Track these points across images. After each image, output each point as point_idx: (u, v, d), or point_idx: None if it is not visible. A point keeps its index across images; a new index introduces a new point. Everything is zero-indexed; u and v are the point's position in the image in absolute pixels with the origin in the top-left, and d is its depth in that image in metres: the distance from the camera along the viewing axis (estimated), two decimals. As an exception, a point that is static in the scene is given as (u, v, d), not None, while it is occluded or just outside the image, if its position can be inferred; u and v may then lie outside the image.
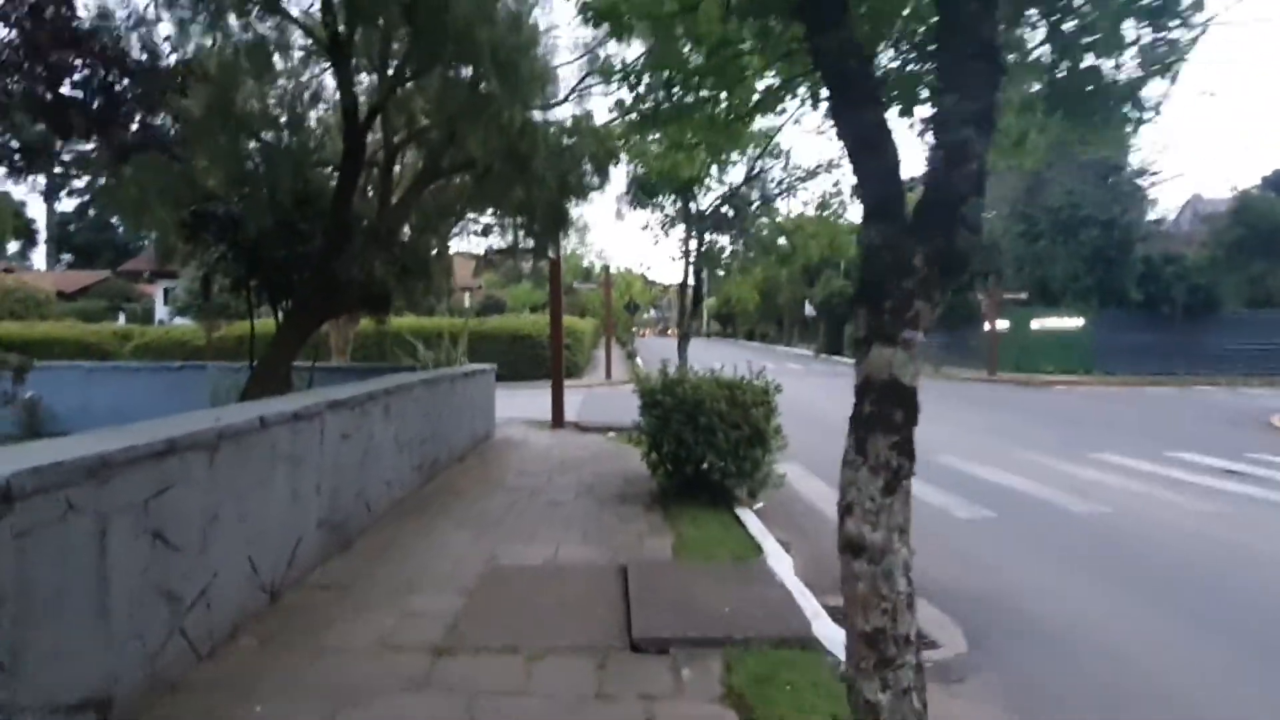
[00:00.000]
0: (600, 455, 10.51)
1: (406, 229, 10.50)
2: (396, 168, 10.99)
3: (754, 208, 8.60)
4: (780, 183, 8.33)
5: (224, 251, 9.18)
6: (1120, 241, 27.69)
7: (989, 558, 6.20)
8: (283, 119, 7.75)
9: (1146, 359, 27.85)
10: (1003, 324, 28.19)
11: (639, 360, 35.93)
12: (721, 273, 9.66)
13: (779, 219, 8.54)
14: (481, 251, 14.85)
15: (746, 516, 6.91)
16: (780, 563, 5.61)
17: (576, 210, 8.94)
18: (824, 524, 7.15)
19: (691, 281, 9.10)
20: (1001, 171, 28.43)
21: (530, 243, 12.40)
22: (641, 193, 8.63)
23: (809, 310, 46.93)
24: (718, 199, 8.78)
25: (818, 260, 8.70)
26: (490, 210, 9.98)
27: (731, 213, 8.79)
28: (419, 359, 12.09)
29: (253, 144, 7.98)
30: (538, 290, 55.25)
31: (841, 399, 2.76)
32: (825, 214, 8.27)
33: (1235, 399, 20.77)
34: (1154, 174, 28.40)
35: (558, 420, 13.97)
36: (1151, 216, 30.58)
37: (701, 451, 7.08)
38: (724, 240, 8.91)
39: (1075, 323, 28.34)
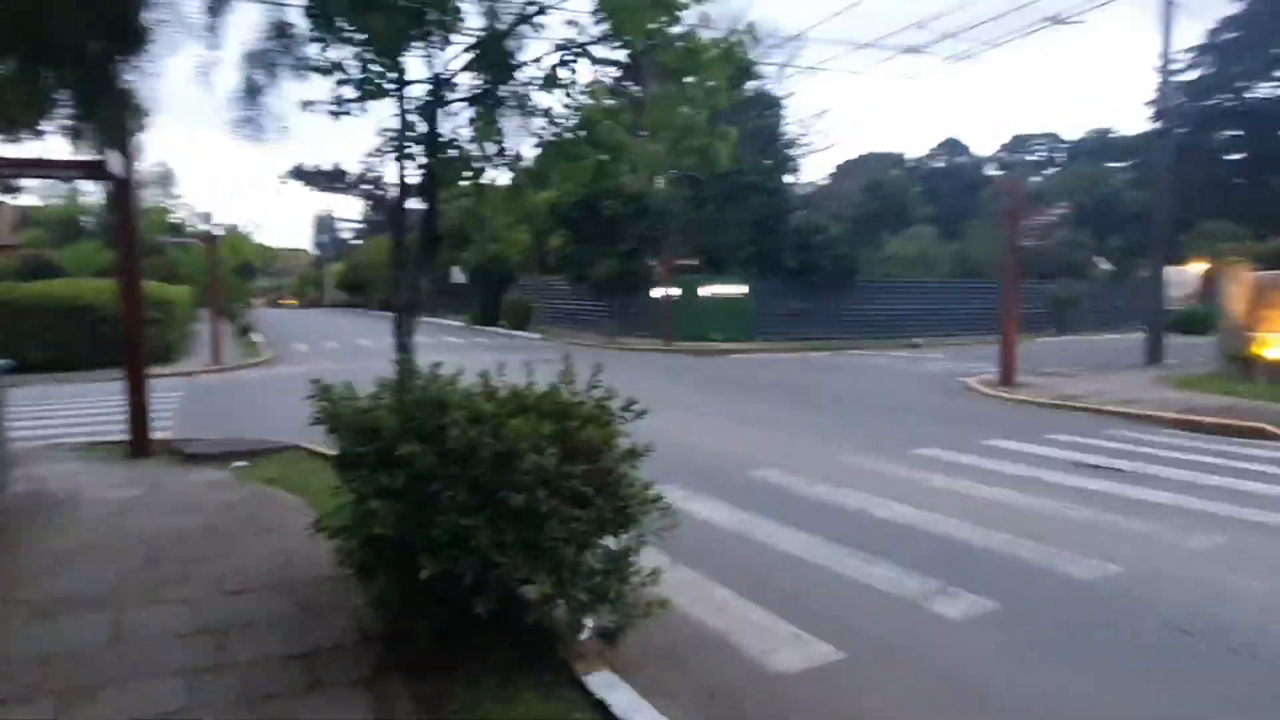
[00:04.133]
0: (228, 523, 5.79)
1: None
2: None
3: (531, 73, 4.63)
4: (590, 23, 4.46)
5: None
6: (778, 210, 28.15)
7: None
8: None
9: (797, 325, 28.83)
10: (674, 291, 27.12)
11: (257, 337, 28.93)
12: (471, 189, 5.37)
13: (583, 96, 4.68)
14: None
15: (622, 701, 3.16)
16: None
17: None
18: (773, 693, 3.63)
19: (419, 201, 4.88)
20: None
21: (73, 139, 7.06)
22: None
23: (458, 276, 42.80)
24: (470, 50, 4.66)
25: (659, 169, 5.06)
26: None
27: (486, 82, 4.74)
28: None
29: None
30: (108, 250, 43.30)
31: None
32: (691, 80, 4.61)
33: (893, 361, 21.61)
34: (806, 143, 29.38)
35: (140, 443, 8.52)
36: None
37: (517, 566, 3.12)
38: (472, 132, 4.78)
39: (740, 290, 28.34)
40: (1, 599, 4.25)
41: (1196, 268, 35.57)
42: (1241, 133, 46.94)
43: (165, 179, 52.90)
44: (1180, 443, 9.13)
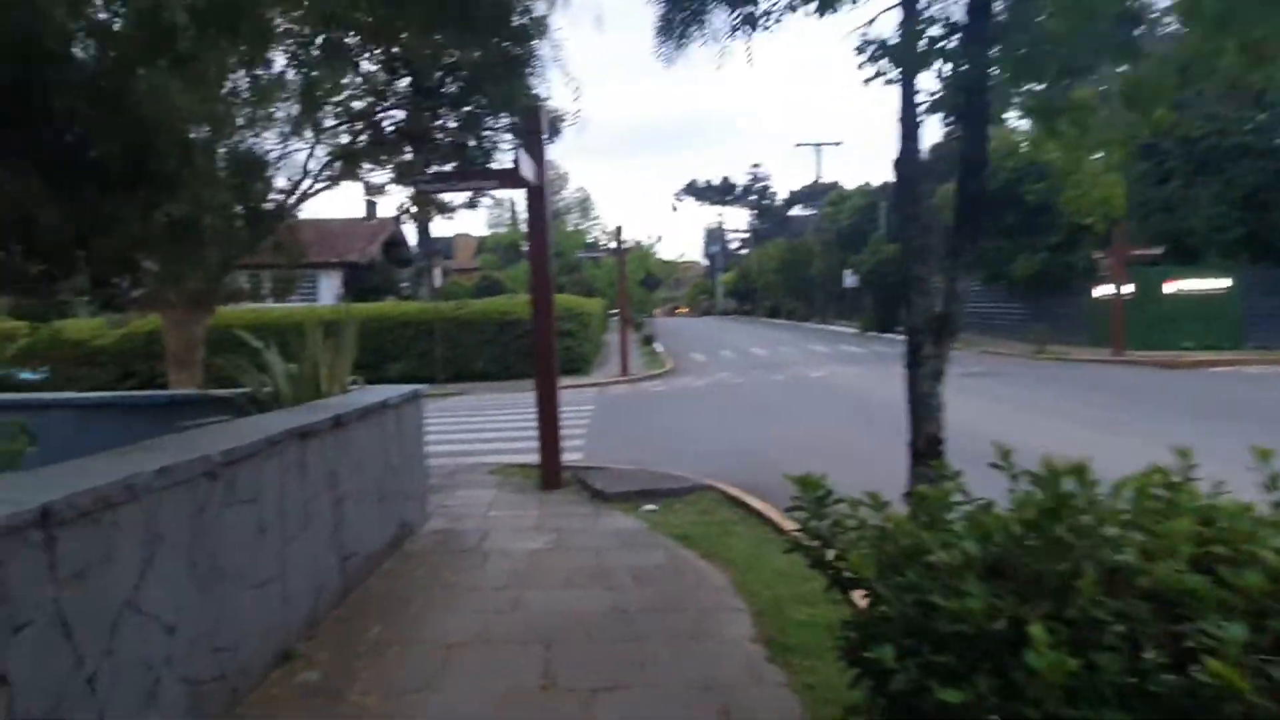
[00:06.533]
0: (640, 609, 4.38)
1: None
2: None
3: None
4: None
5: None
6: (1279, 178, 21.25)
7: None
8: None
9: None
10: (1126, 289, 21.69)
11: (658, 347, 29.74)
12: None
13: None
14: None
15: None
16: None
17: None
18: None
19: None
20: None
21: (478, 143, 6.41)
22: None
23: (849, 280, 40.57)
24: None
25: None
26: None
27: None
28: (261, 378, 5.98)
29: None
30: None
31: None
32: None
33: None
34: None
35: (550, 473, 7.81)
36: None
37: None
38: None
39: (1221, 284, 21.93)
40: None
41: None
42: None
43: (584, 204, 59.25)
44: None
